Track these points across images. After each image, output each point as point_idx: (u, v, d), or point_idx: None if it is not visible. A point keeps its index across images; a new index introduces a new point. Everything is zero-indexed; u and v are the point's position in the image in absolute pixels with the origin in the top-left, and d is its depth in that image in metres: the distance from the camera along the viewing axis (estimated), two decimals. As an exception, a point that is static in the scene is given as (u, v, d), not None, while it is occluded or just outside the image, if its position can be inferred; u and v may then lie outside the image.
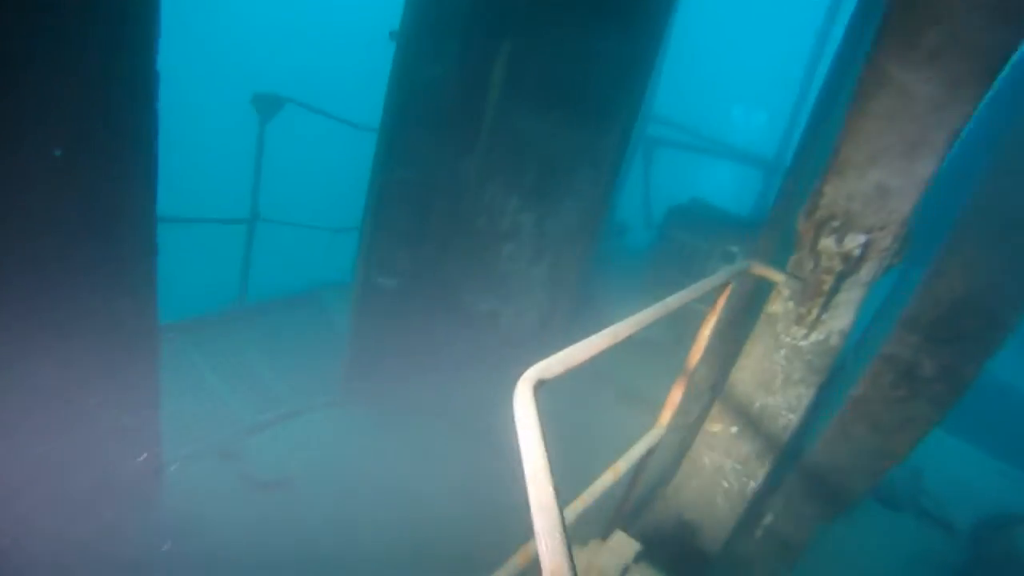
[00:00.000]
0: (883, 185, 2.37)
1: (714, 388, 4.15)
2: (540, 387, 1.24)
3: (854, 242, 2.58)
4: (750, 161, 8.31)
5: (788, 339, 3.09)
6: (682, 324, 6.91)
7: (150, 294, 1.86)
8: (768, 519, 4.13)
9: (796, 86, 7.94)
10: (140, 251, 1.74)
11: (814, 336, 3.02)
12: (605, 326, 1.62)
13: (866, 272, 2.64)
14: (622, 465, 2.64)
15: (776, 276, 2.97)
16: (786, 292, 2.98)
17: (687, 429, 4.29)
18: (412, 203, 4.45)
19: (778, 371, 3.21)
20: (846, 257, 2.64)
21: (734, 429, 3.45)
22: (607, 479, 2.50)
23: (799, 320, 3.02)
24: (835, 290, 2.81)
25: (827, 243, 2.67)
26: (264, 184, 5.55)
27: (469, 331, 5.18)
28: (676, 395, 3.21)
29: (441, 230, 4.65)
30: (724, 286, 2.72)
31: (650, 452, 2.96)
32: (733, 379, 3.40)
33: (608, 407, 5.57)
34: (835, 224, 2.57)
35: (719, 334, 4.02)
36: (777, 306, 3.07)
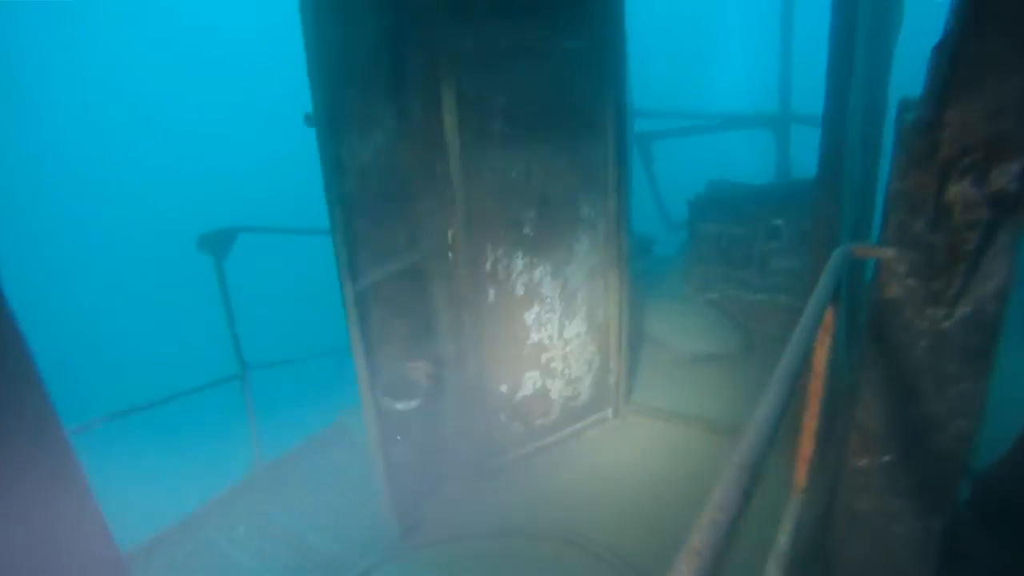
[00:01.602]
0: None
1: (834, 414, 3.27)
2: None
3: (1005, 175, 1.75)
4: (753, 123, 7.49)
5: (925, 325, 2.26)
6: (752, 325, 6.05)
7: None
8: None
9: (775, 26, 7.15)
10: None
11: (960, 312, 2.19)
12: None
13: None
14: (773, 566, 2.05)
15: (885, 253, 2.21)
16: (902, 268, 2.19)
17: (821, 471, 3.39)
18: (388, 301, 3.72)
19: (924, 369, 2.37)
20: (996, 198, 1.81)
21: (887, 458, 2.60)
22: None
23: (934, 298, 2.20)
24: (981, 248, 1.99)
25: (961, 189, 1.85)
26: (243, 326, 4.88)
27: (516, 421, 4.38)
28: (808, 445, 2.43)
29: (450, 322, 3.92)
30: (834, 290, 1.93)
31: (799, 529, 2.32)
32: (864, 397, 2.58)
33: (693, 445, 4.66)
34: (970, 160, 1.75)
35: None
36: (895, 289, 2.26)
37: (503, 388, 4.26)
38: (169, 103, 25.49)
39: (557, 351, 4.36)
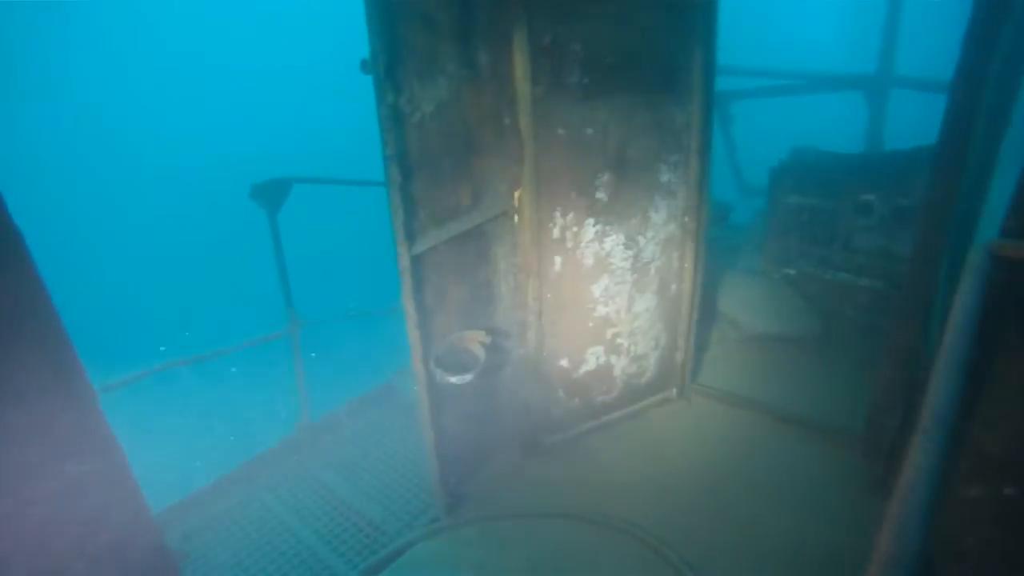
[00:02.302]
0: None
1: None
2: None
3: None
4: (845, 84, 6.84)
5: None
6: (831, 307, 5.59)
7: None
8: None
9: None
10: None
11: None
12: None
13: None
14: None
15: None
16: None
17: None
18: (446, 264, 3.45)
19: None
20: None
21: (1009, 491, 2.24)
22: None
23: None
24: None
25: None
26: (296, 282, 4.74)
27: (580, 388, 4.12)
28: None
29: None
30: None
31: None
32: (985, 416, 2.21)
33: (762, 434, 4.32)
34: None
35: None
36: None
37: (564, 363, 3.99)
38: (220, 43, 25.32)
39: (624, 326, 4.05)
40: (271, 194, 4.50)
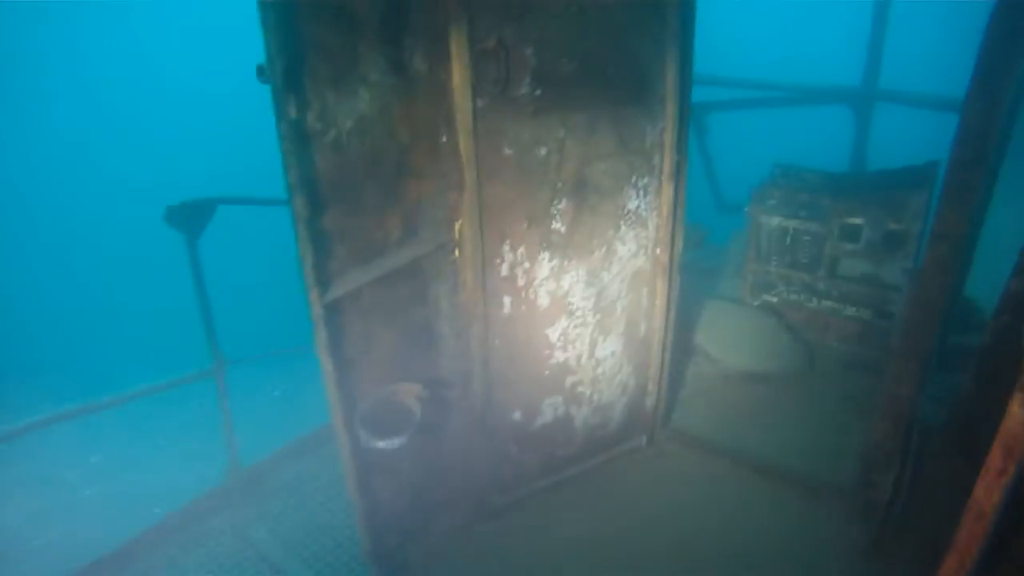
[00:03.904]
0: None
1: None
2: None
3: None
4: (830, 97, 6.42)
5: None
6: (814, 336, 5.15)
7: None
8: None
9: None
10: None
11: None
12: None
13: None
14: None
15: None
16: None
17: None
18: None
19: None
20: None
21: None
22: None
23: None
24: None
25: None
26: (220, 314, 4.18)
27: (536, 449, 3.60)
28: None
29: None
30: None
31: None
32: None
33: (741, 488, 3.85)
34: None
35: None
36: None
37: (516, 415, 3.46)
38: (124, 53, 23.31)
39: (586, 373, 3.54)
40: (190, 217, 3.94)
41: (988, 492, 1.49)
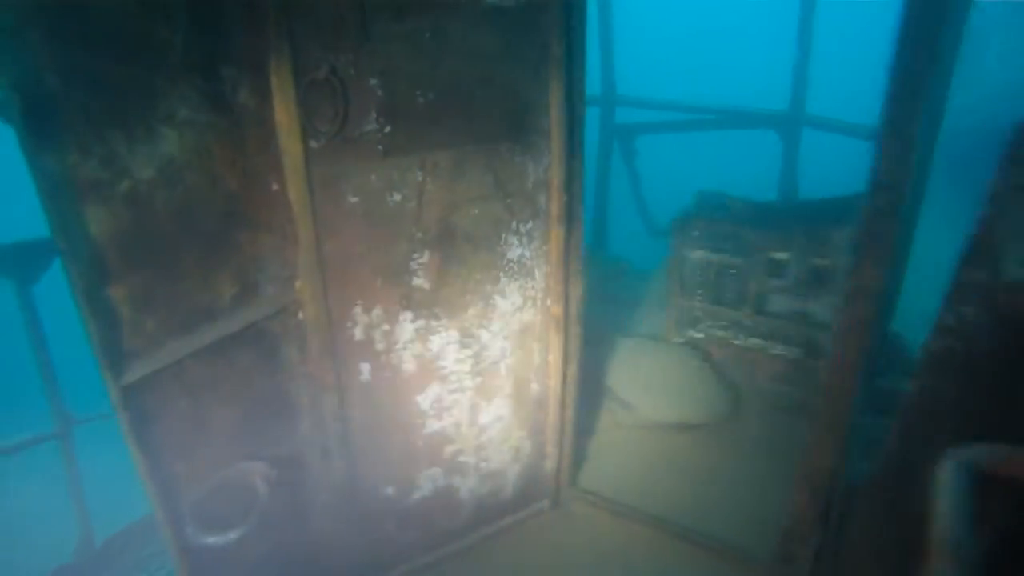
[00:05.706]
0: None
1: None
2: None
3: None
4: (758, 121, 6.18)
5: None
6: (741, 376, 4.85)
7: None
8: None
9: (795, 7, 5.79)
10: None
11: None
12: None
13: None
14: None
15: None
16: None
17: None
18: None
19: None
20: None
21: None
22: None
23: None
24: None
25: None
26: (63, 369, 3.70)
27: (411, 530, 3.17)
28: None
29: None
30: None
31: None
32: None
33: (654, 556, 3.49)
34: None
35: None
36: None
37: (389, 491, 3.03)
38: None
39: (468, 442, 3.12)
40: (22, 261, 3.43)
41: None
